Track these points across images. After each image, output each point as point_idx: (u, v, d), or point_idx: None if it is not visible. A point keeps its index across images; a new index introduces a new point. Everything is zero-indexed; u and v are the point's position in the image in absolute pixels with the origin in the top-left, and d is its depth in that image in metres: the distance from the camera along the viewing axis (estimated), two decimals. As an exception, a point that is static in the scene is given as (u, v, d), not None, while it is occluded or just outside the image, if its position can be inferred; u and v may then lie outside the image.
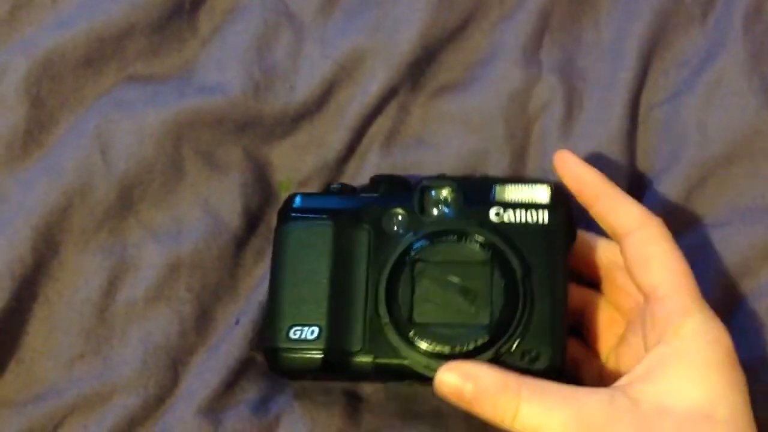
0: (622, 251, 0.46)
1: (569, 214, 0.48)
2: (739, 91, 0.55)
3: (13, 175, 0.52)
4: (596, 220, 0.47)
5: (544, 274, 0.46)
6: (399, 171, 0.55)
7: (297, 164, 0.56)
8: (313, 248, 0.47)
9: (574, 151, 0.53)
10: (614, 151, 0.55)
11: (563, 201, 0.48)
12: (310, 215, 0.48)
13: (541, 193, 0.48)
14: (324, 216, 0.48)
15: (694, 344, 0.43)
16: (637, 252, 0.45)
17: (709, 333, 0.43)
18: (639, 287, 0.45)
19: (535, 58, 0.57)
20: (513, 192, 0.48)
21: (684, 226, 0.53)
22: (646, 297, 0.45)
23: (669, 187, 0.54)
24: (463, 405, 0.43)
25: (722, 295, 0.51)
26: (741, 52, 0.56)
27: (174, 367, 0.50)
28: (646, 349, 0.44)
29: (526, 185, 0.48)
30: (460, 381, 0.42)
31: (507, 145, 0.55)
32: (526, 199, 0.47)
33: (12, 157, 0.52)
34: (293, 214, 0.49)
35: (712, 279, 0.52)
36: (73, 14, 0.54)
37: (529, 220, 0.47)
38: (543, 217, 0.47)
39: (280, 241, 0.48)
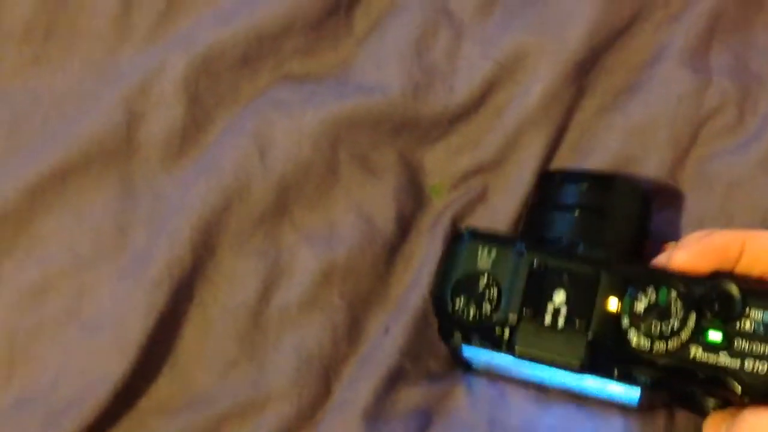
0: None
1: None
2: None
3: (171, 174, 0.51)
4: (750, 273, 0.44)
5: None
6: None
7: (450, 168, 0.54)
8: None
9: (746, 156, 0.52)
10: None
11: None
12: None
13: None
14: None
15: None
16: None
17: None
18: None
19: (705, 60, 0.55)
20: None
21: None
22: None
23: None
24: None
25: None
26: None
27: (326, 375, 0.49)
28: None
29: None
30: None
31: (669, 149, 0.53)
32: None
33: (170, 156, 0.51)
34: None
35: None
36: (231, 11, 0.54)
37: None
38: None
39: None
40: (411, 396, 0.49)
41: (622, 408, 0.48)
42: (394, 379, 0.49)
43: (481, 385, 0.50)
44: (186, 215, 0.49)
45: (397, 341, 0.49)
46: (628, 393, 0.44)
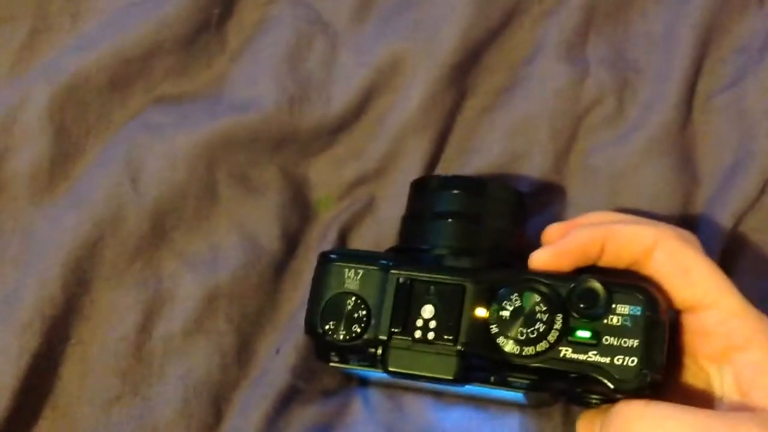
0: (649, 278, 0.43)
1: None
2: None
3: (40, 210, 0.49)
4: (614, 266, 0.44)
5: None
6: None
7: (335, 179, 0.53)
8: None
9: (627, 146, 0.52)
10: (669, 142, 0.52)
11: None
12: None
13: None
14: None
15: None
16: (663, 271, 0.42)
17: None
18: (678, 304, 0.42)
19: (581, 53, 0.55)
20: None
21: (761, 220, 0.51)
22: (686, 310, 0.42)
23: (744, 181, 0.51)
24: None
25: None
26: None
27: (216, 403, 0.48)
28: (702, 361, 0.42)
29: None
30: None
31: (551, 144, 0.53)
32: None
33: (37, 191, 0.50)
34: None
35: None
36: (95, 35, 0.52)
37: None
38: None
39: None
40: (306, 415, 0.48)
41: (519, 406, 0.48)
42: (287, 400, 0.48)
43: (377, 396, 0.49)
44: (55, 252, 0.47)
45: (289, 361, 0.48)
46: (512, 394, 0.44)
